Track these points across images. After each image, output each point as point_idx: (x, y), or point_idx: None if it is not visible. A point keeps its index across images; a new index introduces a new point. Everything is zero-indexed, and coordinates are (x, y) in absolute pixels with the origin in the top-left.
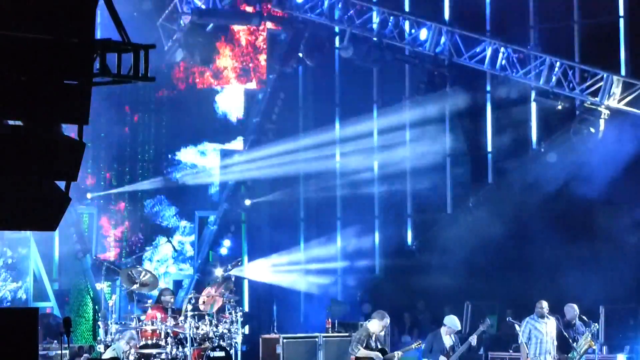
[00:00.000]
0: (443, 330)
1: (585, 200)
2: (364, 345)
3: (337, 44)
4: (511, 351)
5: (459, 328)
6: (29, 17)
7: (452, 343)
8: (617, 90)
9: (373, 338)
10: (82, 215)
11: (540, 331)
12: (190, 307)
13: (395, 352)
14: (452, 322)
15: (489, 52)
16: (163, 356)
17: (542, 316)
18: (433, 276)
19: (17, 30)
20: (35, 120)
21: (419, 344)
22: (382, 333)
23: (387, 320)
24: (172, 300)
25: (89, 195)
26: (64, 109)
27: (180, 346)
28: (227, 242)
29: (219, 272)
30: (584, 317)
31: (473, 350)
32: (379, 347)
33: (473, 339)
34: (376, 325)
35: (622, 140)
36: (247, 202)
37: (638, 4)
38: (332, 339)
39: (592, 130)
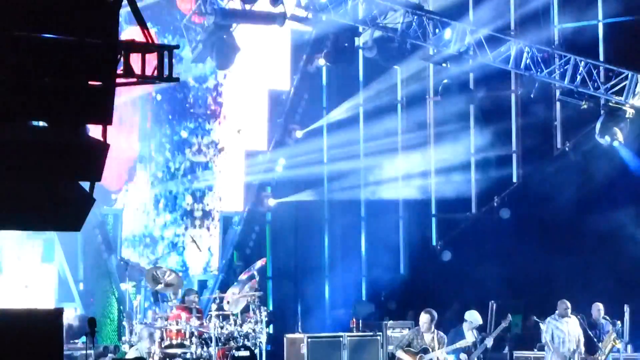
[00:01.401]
0: (465, 326)
1: (611, 197)
2: (406, 346)
3: (360, 43)
4: (536, 350)
5: (480, 322)
6: (52, 18)
7: (474, 339)
8: None
9: (421, 338)
10: (106, 216)
11: (562, 330)
12: (214, 307)
13: (438, 351)
14: (473, 317)
15: (513, 51)
16: (188, 356)
17: (563, 315)
18: (458, 275)
19: (41, 32)
20: (59, 121)
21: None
22: (431, 330)
23: (428, 317)
24: (196, 300)
25: (113, 196)
26: (87, 110)
27: (205, 346)
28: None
29: (243, 272)
30: (606, 317)
31: (499, 348)
32: (423, 347)
33: (493, 335)
34: (421, 323)
35: None
36: (272, 202)
37: None
38: (357, 339)
39: (619, 137)
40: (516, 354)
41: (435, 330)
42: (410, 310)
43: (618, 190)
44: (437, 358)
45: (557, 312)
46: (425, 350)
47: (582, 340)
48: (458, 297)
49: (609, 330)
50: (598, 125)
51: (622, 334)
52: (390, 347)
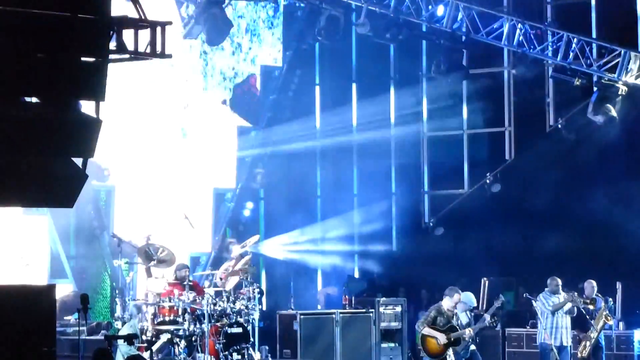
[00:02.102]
0: (459, 307)
1: (604, 173)
2: (430, 323)
3: (353, 20)
4: (528, 327)
5: (475, 304)
6: None
7: (467, 320)
8: (634, 66)
9: (444, 316)
10: (99, 192)
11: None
12: (207, 283)
13: (467, 330)
14: (467, 298)
15: (506, 28)
16: (180, 332)
17: (554, 292)
18: (450, 253)
19: (34, 8)
20: (51, 98)
21: (494, 322)
22: (456, 310)
23: (458, 297)
24: (187, 275)
25: (106, 172)
26: (80, 86)
27: (197, 322)
28: (248, 210)
29: (236, 248)
30: (599, 294)
31: (490, 327)
32: (450, 325)
33: (487, 317)
34: (448, 302)
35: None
36: (264, 178)
37: None
38: (349, 315)
39: (613, 113)
40: (508, 330)
41: (457, 311)
42: (402, 287)
43: (611, 167)
44: (467, 334)
45: (547, 289)
46: (452, 328)
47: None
48: (450, 274)
49: (601, 307)
50: (591, 103)
51: (615, 311)
52: (392, 324)
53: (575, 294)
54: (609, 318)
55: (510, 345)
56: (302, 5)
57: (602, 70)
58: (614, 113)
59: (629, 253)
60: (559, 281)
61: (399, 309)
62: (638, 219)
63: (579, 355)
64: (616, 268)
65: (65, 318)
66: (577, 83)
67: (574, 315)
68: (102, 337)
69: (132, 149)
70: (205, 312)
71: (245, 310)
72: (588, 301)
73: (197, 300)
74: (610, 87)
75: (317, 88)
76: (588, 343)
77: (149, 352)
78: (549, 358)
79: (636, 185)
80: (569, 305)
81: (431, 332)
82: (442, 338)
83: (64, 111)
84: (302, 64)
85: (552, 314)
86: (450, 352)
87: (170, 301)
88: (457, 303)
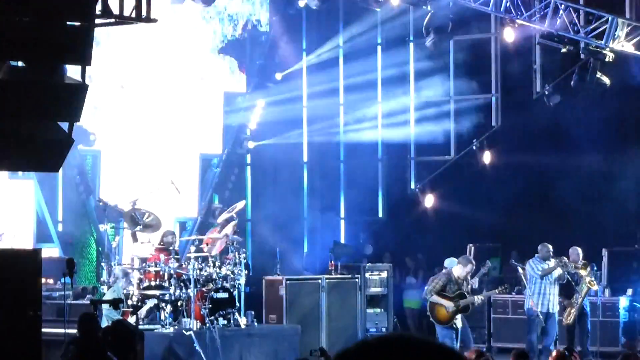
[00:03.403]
0: (457, 270)
1: (589, 140)
2: (439, 290)
3: None
4: (514, 293)
5: (473, 263)
6: None
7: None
8: (621, 33)
9: (453, 283)
10: (85, 157)
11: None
12: (193, 249)
13: (475, 297)
14: (452, 264)
15: None
16: (166, 297)
17: (545, 258)
18: (436, 219)
19: None
20: (37, 62)
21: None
22: (468, 277)
23: (471, 267)
24: (175, 241)
25: (92, 137)
26: (66, 50)
27: (183, 287)
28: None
29: (222, 214)
30: (585, 260)
31: (478, 291)
32: (460, 291)
33: (474, 282)
34: (459, 270)
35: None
36: (251, 144)
37: None
38: (335, 281)
39: (606, 80)
40: (494, 297)
41: (468, 278)
42: (387, 253)
43: (597, 135)
44: (477, 300)
45: (538, 255)
46: (461, 296)
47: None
48: (435, 241)
49: (592, 271)
50: (577, 69)
51: (600, 278)
52: (376, 289)
53: (565, 259)
54: (592, 284)
55: (496, 311)
56: None
57: (589, 37)
58: (605, 80)
59: (615, 220)
60: (551, 248)
61: (384, 274)
62: (623, 186)
63: (564, 322)
64: (602, 235)
65: (50, 283)
66: (564, 50)
67: (564, 282)
68: (88, 302)
69: (118, 113)
70: (191, 277)
71: (231, 276)
72: (579, 266)
73: (183, 265)
74: (597, 54)
75: (304, 54)
76: (573, 310)
77: (134, 316)
78: (535, 325)
79: (621, 153)
80: (559, 271)
81: (439, 300)
82: (449, 305)
83: (49, 75)
84: (288, 30)
85: (541, 279)
86: (458, 317)
87: (156, 266)
88: (469, 273)
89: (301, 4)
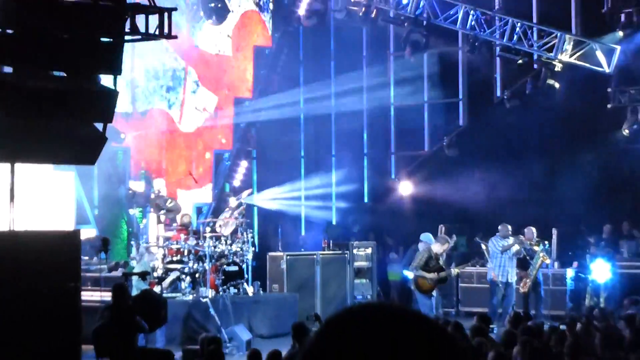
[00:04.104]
0: (420, 245)
1: (542, 138)
2: (422, 266)
3: (332, 7)
4: (478, 266)
5: (433, 242)
6: None
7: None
8: (568, 47)
9: (433, 258)
10: (117, 152)
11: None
12: (208, 229)
13: (452, 270)
14: (427, 237)
15: (460, 14)
16: (186, 270)
17: (505, 236)
18: (412, 204)
19: None
20: (76, 72)
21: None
22: (444, 253)
23: (448, 245)
24: (191, 222)
25: (122, 135)
26: (100, 62)
27: (200, 262)
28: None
29: (232, 200)
30: (538, 238)
31: (447, 265)
32: (438, 265)
33: (443, 256)
34: (438, 247)
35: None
36: (255, 141)
37: None
38: (328, 256)
39: (556, 85)
40: (461, 269)
41: (444, 254)
42: (371, 232)
43: (548, 132)
44: (454, 272)
45: (498, 233)
46: (440, 269)
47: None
48: (412, 222)
49: (543, 247)
50: (531, 78)
51: (550, 253)
52: (364, 263)
53: (522, 237)
54: (545, 258)
55: (463, 281)
56: None
57: (541, 50)
58: (555, 84)
59: (563, 204)
60: (509, 227)
61: (369, 250)
62: (569, 176)
63: (521, 290)
64: (552, 217)
65: (89, 258)
66: (520, 61)
67: (520, 256)
68: (120, 274)
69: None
70: (206, 253)
71: (240, 252)
72: (534, 242)
73: (200, 243)
74: (548, 65)
75: (301, 65)
76: (528, 280)
77: (159, 286)
78: (496, 292)
79: (568, 148)
80: (516, 247)
81: (423, 274)
82: (432, 277)
83: (86, 83)
84: (288, 45)
85: (501, 254)
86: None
87: (177, 244)
88: (446, 250)
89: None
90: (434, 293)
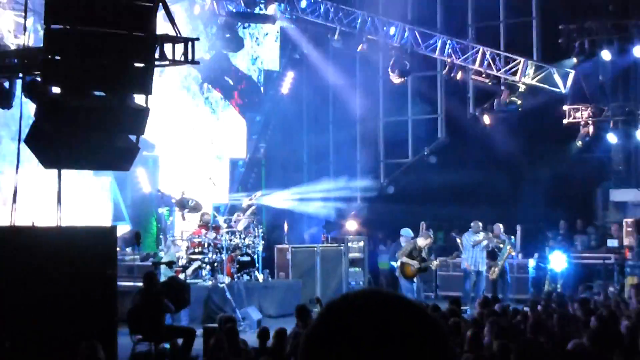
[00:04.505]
0: (402, 240)
1: (508, 148)
2: (407, 255)
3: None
4: (454, 255)
5: (412, 235)
6: (109, 18)
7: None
8: (530, 71)
9: (417, 250)
10: (148, 159)
11: (474, 242)
12: (225, 225)
13: (434, 262)
14: (407, 232)
15: (439, 44)
16: (206, 260)
17: (476, 232)
18: (398, 204)
19: (101, 27)
20: (114, 92)
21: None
22: (426, 247)
23: (430, 240)
24: (209, 220)
25: (153, 144)
26: (134, 84)
27: (218, 253)
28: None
29: (245, 200)
30: (505, 233)
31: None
32: (420, 256)
33: (426, 248)
34: (421, 241)
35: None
36: (265, 151)
37: (545, 9)
38: (326, 249)
39: (519, 102)
40: (440, 259)
41: (426, 248)
42: (365, 229)
43: (511, 143)
44: (434, 264)
45: (471, 229)
46: (423, 260)
47: (486, 251)
48: (397, 220)
49: (506, 242)
50: (498, 97)
51: (515, 246)
52: (355, 255)
53: (491, 234)
54: (511, 250)
55: (441, 269)
56: (293, 26)
57: (507, 73)
58: (518, 102)
59: (525, 204)
60: (480, 224)
61: (361, 244)
62: (531, 181)
63: (490, 277)
64: (517, 215)
65: (124, 250)
66: (490, 83)
67: (489, 249)
68: (150, 263)
69: (172, 129)
70: (223, 245)
71: (252, 245)
72: (499, 241)
73: (218, 237)
74: (513, 86)
75: (304, 86)
76: (496, 269)
77: (183, 274)
78: (469, 279)
79: (530, 156)
80: (485, 242)
81: (408, 261)
82: (415, 265)
83: (122, 102)
84: (293, 68)
85: (473, 247)
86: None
87: (198, 238)
88: (427, 244)
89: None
90: (415, 280)
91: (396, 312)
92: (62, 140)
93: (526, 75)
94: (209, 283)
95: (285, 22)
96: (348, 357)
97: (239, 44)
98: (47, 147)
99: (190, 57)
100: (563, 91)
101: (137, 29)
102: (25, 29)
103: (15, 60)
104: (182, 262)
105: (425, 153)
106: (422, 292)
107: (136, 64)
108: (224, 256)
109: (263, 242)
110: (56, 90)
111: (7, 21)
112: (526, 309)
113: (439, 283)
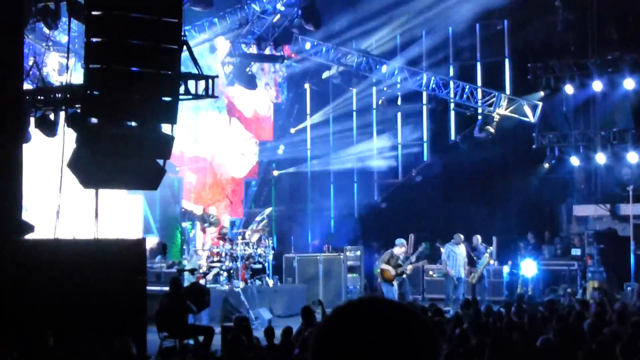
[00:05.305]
0: (396, 250)
1: (485, 170)
2: (386, 262)
3: (330, 74)
4: (439, 264)
5: (406, 246)
6: (141, 58)
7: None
8: (504, 103)
9: (394, 258)
10: (173, 180)
11: (456, 252)
12: (240, 237)
13: (408, 267)
14: (400, 242)
15: (424, 79)
16: (223, 267)
17: (457, 243)
18: (390, 218)
19: (132, 66)
20: (144, 122)
21: (425, 264)
22: (402, 255)
23: (405, 249)
24: (226, 232)
25: (177, 168)
26: (161, 115)
27: (234, 261)
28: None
29: (258, 216)
30: (483, 244)
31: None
32: (396, 263)
33: (413, 257)
34: (398, 250)
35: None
36: (275, 172)
37: (516, 50)
38: (328, 257)
39: (492, 130)
40: (427, 266)
41: (403, 256)
42: (360, 239)
43: (488, 166)
44: (408, 269)
45: (453, 240)
46: (399, 265)
47: (466, 260)
48: (389, 232)
49: (484, 252)
50: (477, 126)
51: (492, 255)
52: (350, 262)
53: (470, 245)
54: (489, 260)
55: (427, 275)
56: (297, 64)
57: (484, 105)
58: (492, 130)
59: (500, 219)
60: (462, 236)
61: (358, 252)
62: (504, 198)
63: (470, 282)
64: (493, 228)
65: (152, 259)
66: (468, 114)
67: (467, 259)
68: (175, 270)
69: (193, 154)
70: (239, 255)
71: (264, 254)
72: (475, 252)
73: (233, 248)
74: (489, 117)
75: (308, 117)
76: (476, 275)
77: (204, 279)
78: (450, 284)
79: (504, 177)
80: (463, 253)
81: (386, 267)
82: (392, 270)
83: (151, 131)
84: (298, 101)
85: (454, 257)
86: (395, 280)
87: (217, 248)
88: (403, 253)
89: (306, 86)
90: (394, 282)
91: (394, 316)
92: (99, 164)
93: (500, 106)
94: (226, 287)
95: (292, 60)
96: (353, 356)
97: (252, 83)
98: (86, 170)
99: (210, 91)
100: (532, 120)
101: (164, 68)
102: (67, 67)
103: (59, 95)
104: (203, 269)
105: (413, 174)
106: (409, 294)
107: (164, 98)
108: (239, 264)
109: (273, 251)
110: (94, 120)
111: (52, 61)
112: (501, 309)
113: (426, 287)
